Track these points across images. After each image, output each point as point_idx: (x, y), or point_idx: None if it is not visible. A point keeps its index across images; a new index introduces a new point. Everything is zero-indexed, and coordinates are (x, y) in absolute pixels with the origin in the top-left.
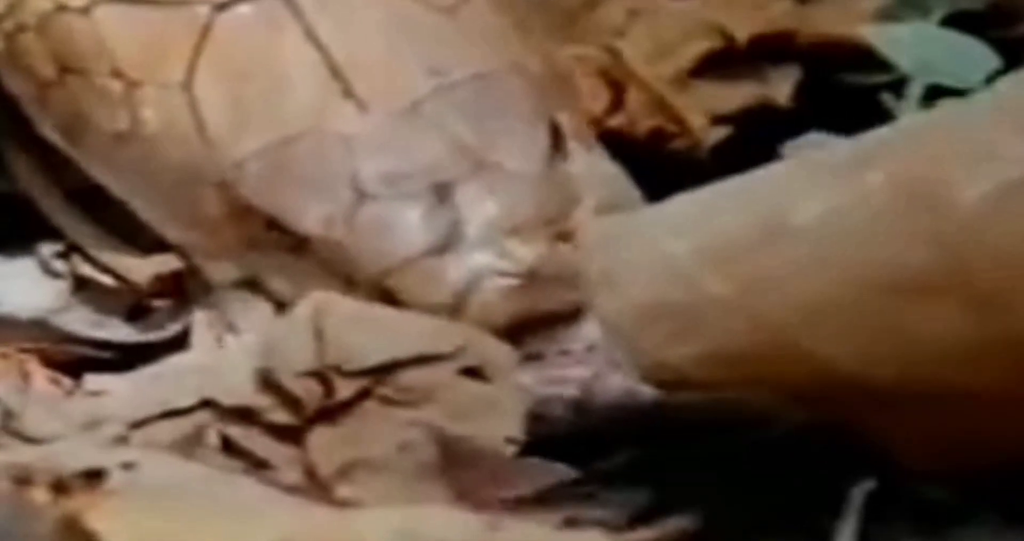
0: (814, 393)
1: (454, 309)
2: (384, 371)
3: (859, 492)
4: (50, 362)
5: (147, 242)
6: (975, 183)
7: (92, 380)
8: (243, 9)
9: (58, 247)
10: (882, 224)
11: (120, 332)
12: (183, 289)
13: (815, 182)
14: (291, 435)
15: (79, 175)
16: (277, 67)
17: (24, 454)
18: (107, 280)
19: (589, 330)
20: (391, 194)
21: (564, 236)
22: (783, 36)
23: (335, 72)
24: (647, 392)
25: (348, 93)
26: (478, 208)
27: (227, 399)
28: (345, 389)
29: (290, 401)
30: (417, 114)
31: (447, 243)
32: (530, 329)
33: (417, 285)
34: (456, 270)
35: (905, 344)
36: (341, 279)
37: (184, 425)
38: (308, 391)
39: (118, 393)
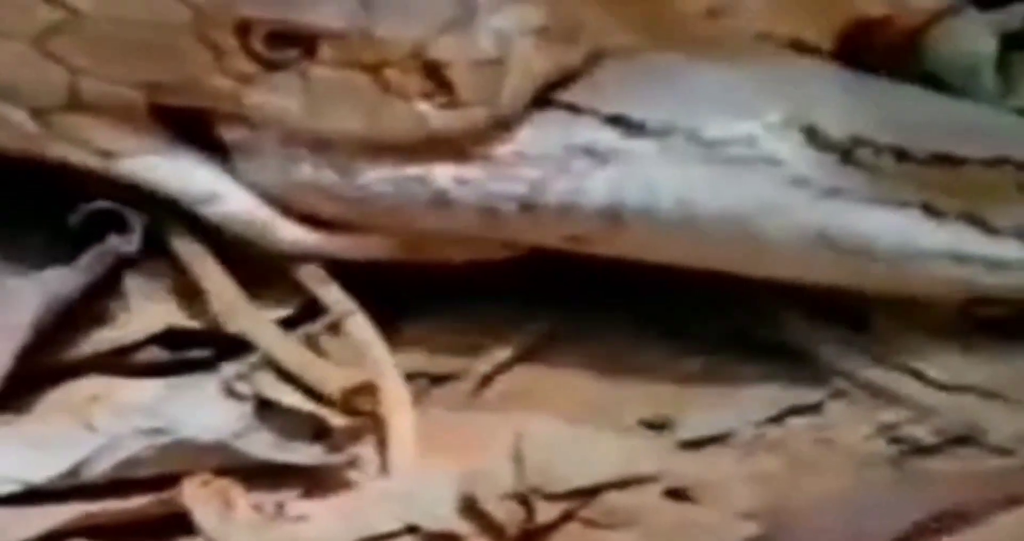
0: None
1: (498, 62)
2: (587, 493)
3: None
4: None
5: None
6: None
7: (294, 506)
8: None
9: (241, 367)
10: None
11: (303, 454)
12: (369, 406)
13: None
14: None
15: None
16: None
17: None
18: (291, 400)
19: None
20: None
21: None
22: None
23: None
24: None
25: None
26: None
27: (430, 524)
28: (547, 512)
29: (492, 526)
30: None
31: (468, 11)
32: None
33: (458, 49)
34: (487, 31)
35: None
36: (368, 70)
37: None
38: (510, 515)
39: (321, 519)
